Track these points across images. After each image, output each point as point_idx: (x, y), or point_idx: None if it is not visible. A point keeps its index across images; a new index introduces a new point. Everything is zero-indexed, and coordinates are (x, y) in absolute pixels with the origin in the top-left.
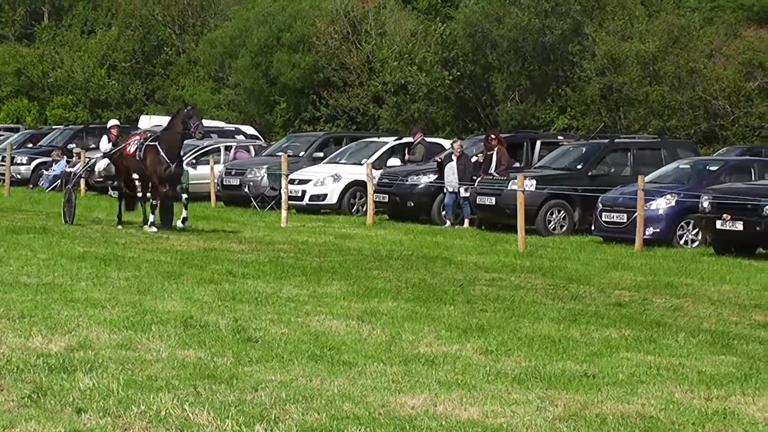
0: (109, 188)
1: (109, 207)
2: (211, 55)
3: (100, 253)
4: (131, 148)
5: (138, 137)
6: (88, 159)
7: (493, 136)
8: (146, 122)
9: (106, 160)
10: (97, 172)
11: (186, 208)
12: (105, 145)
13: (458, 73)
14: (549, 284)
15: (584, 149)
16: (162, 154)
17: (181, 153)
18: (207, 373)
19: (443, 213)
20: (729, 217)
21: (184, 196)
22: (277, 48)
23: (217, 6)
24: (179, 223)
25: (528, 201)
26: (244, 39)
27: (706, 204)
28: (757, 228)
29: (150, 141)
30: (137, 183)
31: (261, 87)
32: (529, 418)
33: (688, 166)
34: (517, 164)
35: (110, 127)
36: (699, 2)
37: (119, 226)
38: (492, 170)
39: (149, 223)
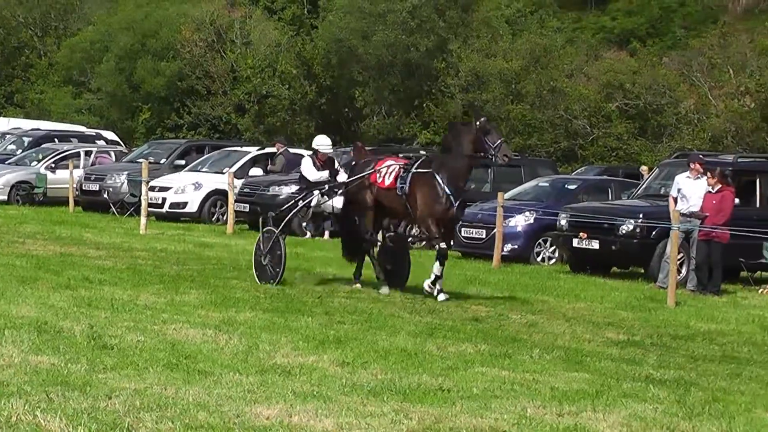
0: (325, 231)
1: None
2: (72, 59)
3: None
4: (386, 179)
5: (392, 161)
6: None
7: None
8: (4, 124)
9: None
10: (324, 211)
11: (442, 263)
12: (315, 172)
13: (318, 87)
14: (407, 298)
15: None
16: (442, 186)
17: (465, 185)
18: (60, 380)
19: (304, 224)
20: (585, 235)
21: (441, 245)
22: (141, 54)
23: (81, 10)
24: (428, 285)
25: None
26: (107, 44)
27: (563, 222)
28: (613, 247)
29: (419, 167)
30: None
31: (124, 93)
32: (384, 431)
33: (547, 184)
34: None
35: (317, 148)
36: (562, 23)
37: (357, 284)
38: None
39: (433, 282)
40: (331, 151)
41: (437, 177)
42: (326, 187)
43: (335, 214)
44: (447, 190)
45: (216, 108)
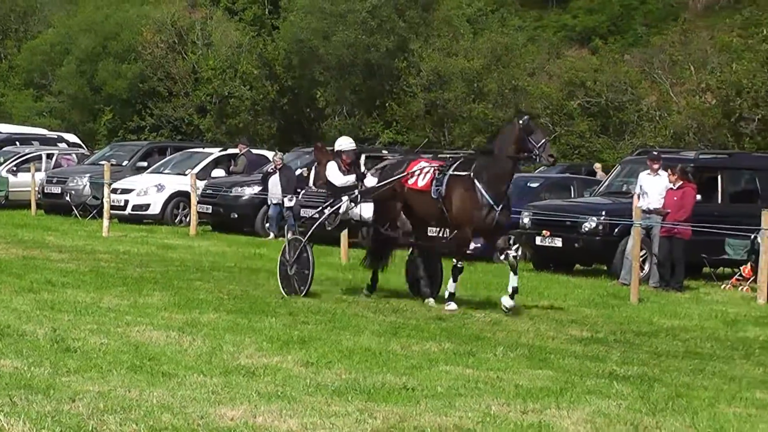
0: (360, 236)
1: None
2: (32, 62)
3: None
4: (419, 180)
5: (425, 163)
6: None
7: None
8: None
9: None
10: (351, 219)
11: (515, 272)
12: (341, 177)
13: (280, 88)
14: (371, 297)
15: None
16: (481, 190)
17: (507, 189)
18: (23, 383)
19: (267, 225)
20: (548, 233)
21: (512, 253)
22: (102, 56)
23: (42, 12)
24: (507, 302)
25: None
26: (68, 47)
27: (526, 220)
28: (576, 245)
29: (455, 169)
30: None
31: (85, 95)
32: (348, 430)
33: None
34: None
35: (340, 151)
36: (523, 22)
37: (365, 294)
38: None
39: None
40: (353, 148)
41: (476, 180)
42: (355, 193)
43: (363, 221)
44: (487, 194)
45: (178, 109)
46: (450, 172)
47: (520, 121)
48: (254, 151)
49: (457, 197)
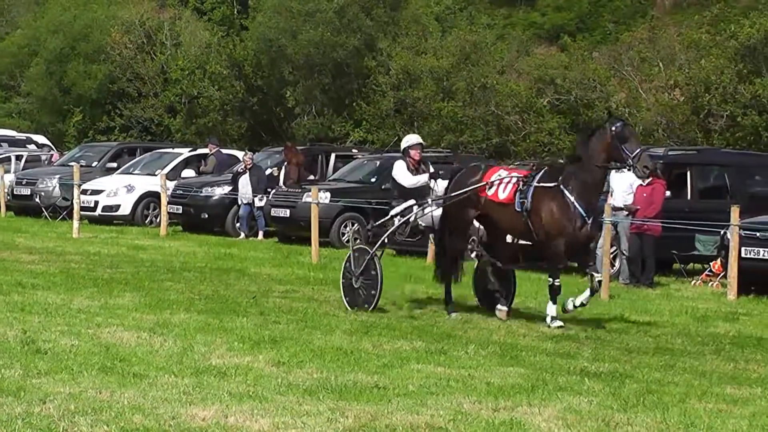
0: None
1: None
2: (0, 63)
3: None
4: (500, 192)
5: (504, 171)
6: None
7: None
8: None
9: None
10: (420, 225)
11: (592, 294)
12: (410, 177)
13: (249, 87)
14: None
15: (378, 162)
16: (573, 202)
17: (598, 200)
18: None
19: (237, 225)
20: None
21: (597, 278)
22: (71, 57)
23: (9, 14)
24: (571, 304)
25: (322, 213)
26: (35, 48)
27: None
28: None
29: (541, 180)
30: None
31: (54, 96)
32: (320, 429)
33: None
34: (312, 177)
35: (410, 147)
36: (492, 20)
37: (454, 314)
38: (281, 183)
39: (551, 317)
40: (420, 142)
41: (565, 191)
42: (428, 201)
43: (432, 228)
44: (578, 206)
45: (147, 110)
46: (535, 183)
47: (613, 128)
48: (224, 151)
49: (547, 211)
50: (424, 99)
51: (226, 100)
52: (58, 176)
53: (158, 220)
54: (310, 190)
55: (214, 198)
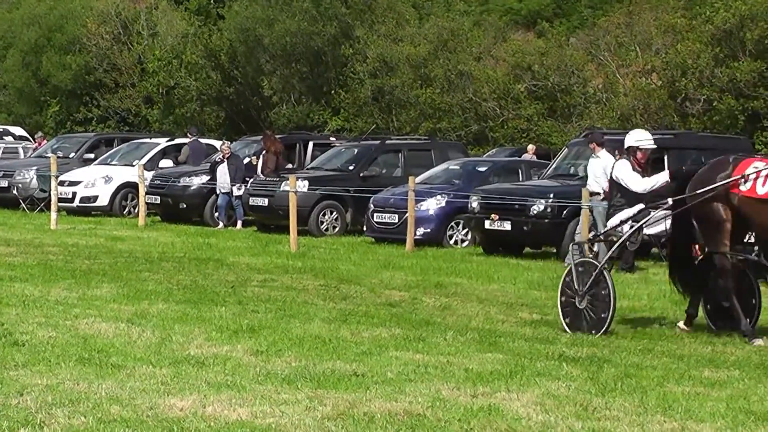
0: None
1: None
2: None
3: None
4: (758, 187)
5: (762, 163)
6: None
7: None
8: None
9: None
10: (646, 236)
11: None
12: (640, 180)
13: (225, 77)
14: (320, 285)
15: (356, 150)
16: None
17: None
18: None
19: (216, 214)
20: (497, 217)
21: None
22: (47, 49)
23: None
24: None
25: (300, 202)
26: (11, 40)
27: (475, 204)
28: (524, 228)
29: None
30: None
31: (31, 88)
32: (298, 418)
33: (457, 167)
34: (290, 165)
35: (634, 147)
36: (468, 6)
37: (685, 328)
38: (259, 172)
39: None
40: (654, 146)
41: None
42: (669, 202)
43: (659, 237)
44: None
45: (125, 100)
46: None
47: None
48: (202, 140)
49: None
50: (401, 86)
51: (203, 90)
52: (35, 168)
53: (136, 210)
54: (288, 179)
55: (192, 188)
